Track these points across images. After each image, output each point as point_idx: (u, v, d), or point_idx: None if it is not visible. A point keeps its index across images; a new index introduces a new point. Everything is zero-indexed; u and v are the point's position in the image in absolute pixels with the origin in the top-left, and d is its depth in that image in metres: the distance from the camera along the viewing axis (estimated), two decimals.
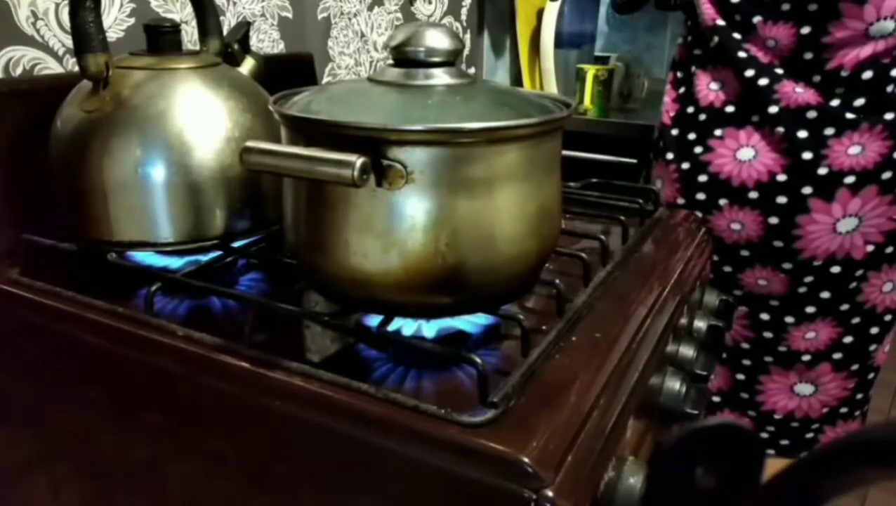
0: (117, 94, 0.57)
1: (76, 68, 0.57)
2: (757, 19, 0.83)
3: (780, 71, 0.83)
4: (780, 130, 0.82)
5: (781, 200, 0.84)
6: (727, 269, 0.92)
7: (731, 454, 0.47)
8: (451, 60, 0.49)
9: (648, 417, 0.57)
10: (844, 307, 0.91)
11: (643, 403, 0.53)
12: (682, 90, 0.92)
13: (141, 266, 0.59)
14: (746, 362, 0.99)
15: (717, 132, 0.87)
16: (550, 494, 0.37)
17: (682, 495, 0.47)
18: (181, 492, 0.53)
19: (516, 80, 1.71)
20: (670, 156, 0.92)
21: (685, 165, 0.90)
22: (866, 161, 0.80)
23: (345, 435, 0.43)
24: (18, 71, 0.73)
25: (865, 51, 0.79)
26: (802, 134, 0.81)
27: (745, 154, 0.85)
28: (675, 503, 0.47)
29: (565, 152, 0.52)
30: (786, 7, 0.80)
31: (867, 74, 0.79)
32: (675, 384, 0.58)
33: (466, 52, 1.57)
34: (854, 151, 0.80)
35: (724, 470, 0.47)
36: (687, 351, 0.64)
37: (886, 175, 0.81)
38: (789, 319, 0.93)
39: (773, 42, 0.82)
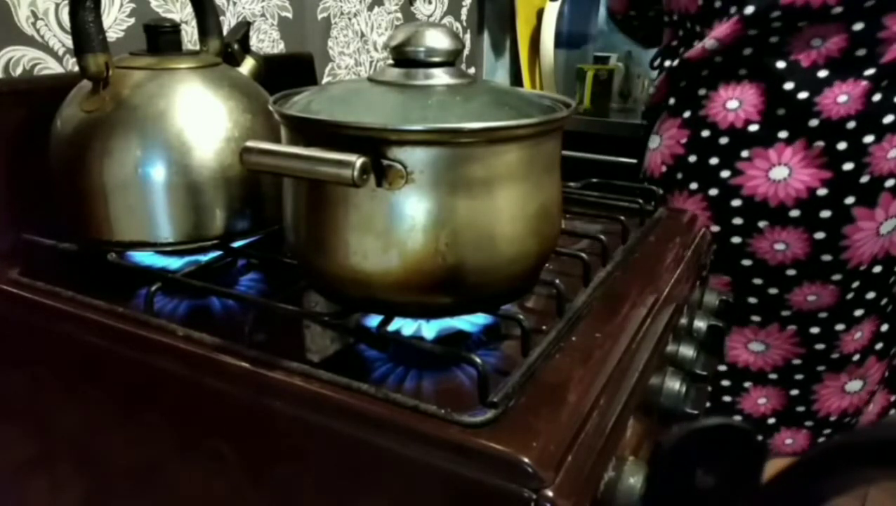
0: (117, 94, 0.57)
1: (76, 68, 0.57)
2: (802, 23, 0.79)
3: (823, 74, 0.80)
4: (821, 144, 0.80)
5: (825, 214, 0.82)
6: (773, 291, 0.90)
7: (731, 454, 0.47)
8: (451, 60, 0.49)
9: (648, 417, 0.57)
10: (884, 301, 0.90)
11: (643, 403, 0.53)
12: (687, 114, 0.89)
13: (141, 266, 0.59)
14: (799, 377, 0.97)
15: (744, 154, 0.84)
16: (550, 494, 0.37)
17: (682, 495, 0.47)
18: (181, 492, 0.53)
19: (516, 80, 1.71)
20: (694, 185, 0.88)
21: (713, 192, 0.87)
22: None
23: (345, 435, 0.43)
24: (18, 71, 0.73)
25: None
26: (842, 146, 0.80)
27: (778, 173, 0.83)
28: (675, 503, 0.47)
29: (565, 152, 0.52)
30: (837, 10, 0.77)
31: None
32: (675, 384, 0.58)
33: (466, 52, 1.57)
34: (893, 154, 0.79)
35: (724, 470, 0.47)
36: (687, 351, 0.64)
37: None
38: (840, 327, 0.91)
39: (819, 41, 0.79)
